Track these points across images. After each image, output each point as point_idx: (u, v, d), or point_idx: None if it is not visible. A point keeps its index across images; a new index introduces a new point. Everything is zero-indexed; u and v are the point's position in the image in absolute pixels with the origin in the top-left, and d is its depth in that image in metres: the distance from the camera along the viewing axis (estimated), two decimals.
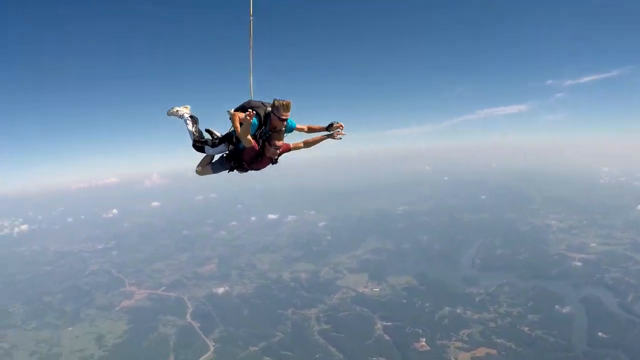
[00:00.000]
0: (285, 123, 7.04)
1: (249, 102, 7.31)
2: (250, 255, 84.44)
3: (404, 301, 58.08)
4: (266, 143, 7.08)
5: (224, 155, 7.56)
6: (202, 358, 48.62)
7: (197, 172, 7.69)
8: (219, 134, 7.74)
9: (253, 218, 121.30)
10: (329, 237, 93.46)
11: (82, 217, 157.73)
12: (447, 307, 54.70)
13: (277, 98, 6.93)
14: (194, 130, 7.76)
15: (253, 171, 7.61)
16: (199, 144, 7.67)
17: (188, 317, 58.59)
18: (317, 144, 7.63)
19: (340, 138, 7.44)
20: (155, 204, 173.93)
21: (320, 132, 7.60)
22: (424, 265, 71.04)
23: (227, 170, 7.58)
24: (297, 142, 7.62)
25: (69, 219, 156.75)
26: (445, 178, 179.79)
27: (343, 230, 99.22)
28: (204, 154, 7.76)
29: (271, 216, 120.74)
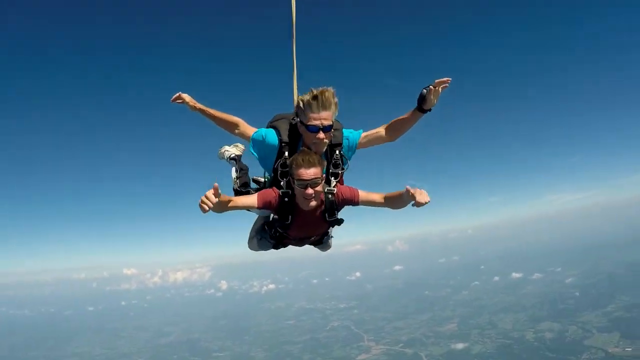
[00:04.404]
0: (322, 136, 3.91)
1: (275, 117, 4.48)
2: (492, 315, 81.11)
3: None
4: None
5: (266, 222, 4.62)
6: None
7: (248, 246, 5.22)
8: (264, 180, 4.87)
9: (496, 278, 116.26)
10: (577, 294, 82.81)
11: (327, 279, 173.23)
12: None
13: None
14: (235, 176, 4.97)
15: (298, 246, 4.99)
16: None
17: None
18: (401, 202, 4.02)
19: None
20: (397, 267, 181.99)
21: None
22: None
23: (272, 245, 4.85)
24: (375, 194, 4.16)
25: (314, 281, 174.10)
26: None
27: (592, 286, 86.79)
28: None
29: (515, 275, 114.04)
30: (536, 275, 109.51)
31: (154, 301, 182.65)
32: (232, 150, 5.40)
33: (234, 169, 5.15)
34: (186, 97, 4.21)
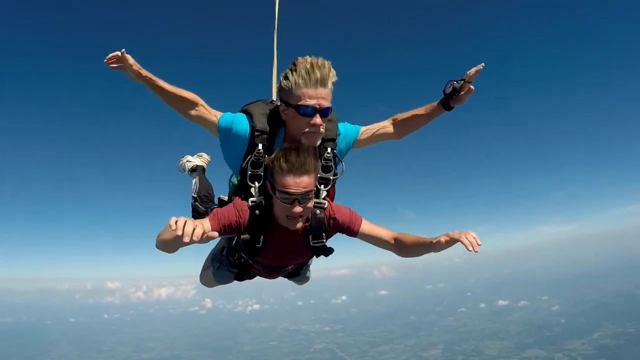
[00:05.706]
0: (319, 121, 2.66)
1: (246, 104, 3.08)
2: (477, 342, 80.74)
3: None
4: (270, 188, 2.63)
5: (227, 248, 3.45)
6: None
7: (200, 280, 3.99)
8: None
9: (482, 305, 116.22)
10: (562, 321, 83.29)
11: (312, 301, 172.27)
12: None
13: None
14: (195, 190, 3.89)
15: (268, 278, 3.63)
16: (197, 213, 3.65)
17: None
18: (422, 249, 2.78)
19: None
20: (383, 292, 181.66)
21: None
22: None
23: (234, 275, 3.51)
24: (382, 229, 2.94)
25: (299, 302, 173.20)
26: None
27: (578, 314, 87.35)
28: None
29: (501, 302, 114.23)
30: (522, 303, 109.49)
31: (136, 316, 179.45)
32: (194, 160, 4.32)
33: (194, 182, 4.04)
34: (130, 58, 2.79)
